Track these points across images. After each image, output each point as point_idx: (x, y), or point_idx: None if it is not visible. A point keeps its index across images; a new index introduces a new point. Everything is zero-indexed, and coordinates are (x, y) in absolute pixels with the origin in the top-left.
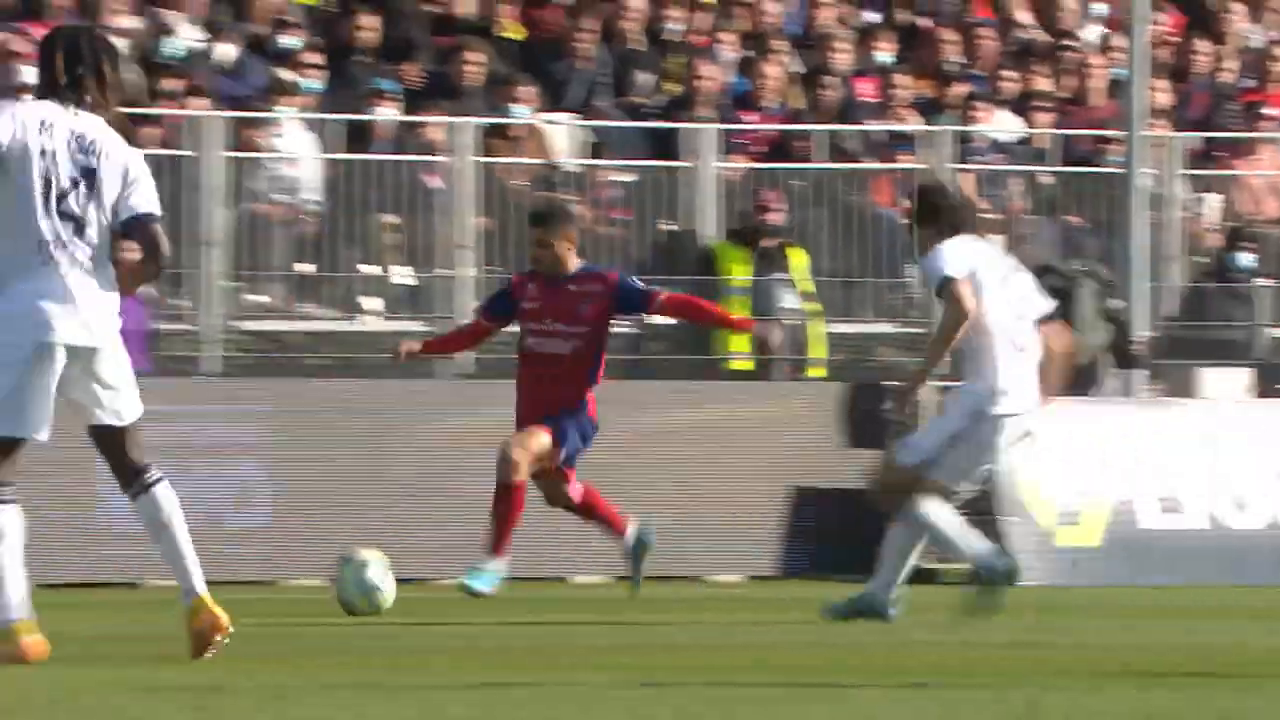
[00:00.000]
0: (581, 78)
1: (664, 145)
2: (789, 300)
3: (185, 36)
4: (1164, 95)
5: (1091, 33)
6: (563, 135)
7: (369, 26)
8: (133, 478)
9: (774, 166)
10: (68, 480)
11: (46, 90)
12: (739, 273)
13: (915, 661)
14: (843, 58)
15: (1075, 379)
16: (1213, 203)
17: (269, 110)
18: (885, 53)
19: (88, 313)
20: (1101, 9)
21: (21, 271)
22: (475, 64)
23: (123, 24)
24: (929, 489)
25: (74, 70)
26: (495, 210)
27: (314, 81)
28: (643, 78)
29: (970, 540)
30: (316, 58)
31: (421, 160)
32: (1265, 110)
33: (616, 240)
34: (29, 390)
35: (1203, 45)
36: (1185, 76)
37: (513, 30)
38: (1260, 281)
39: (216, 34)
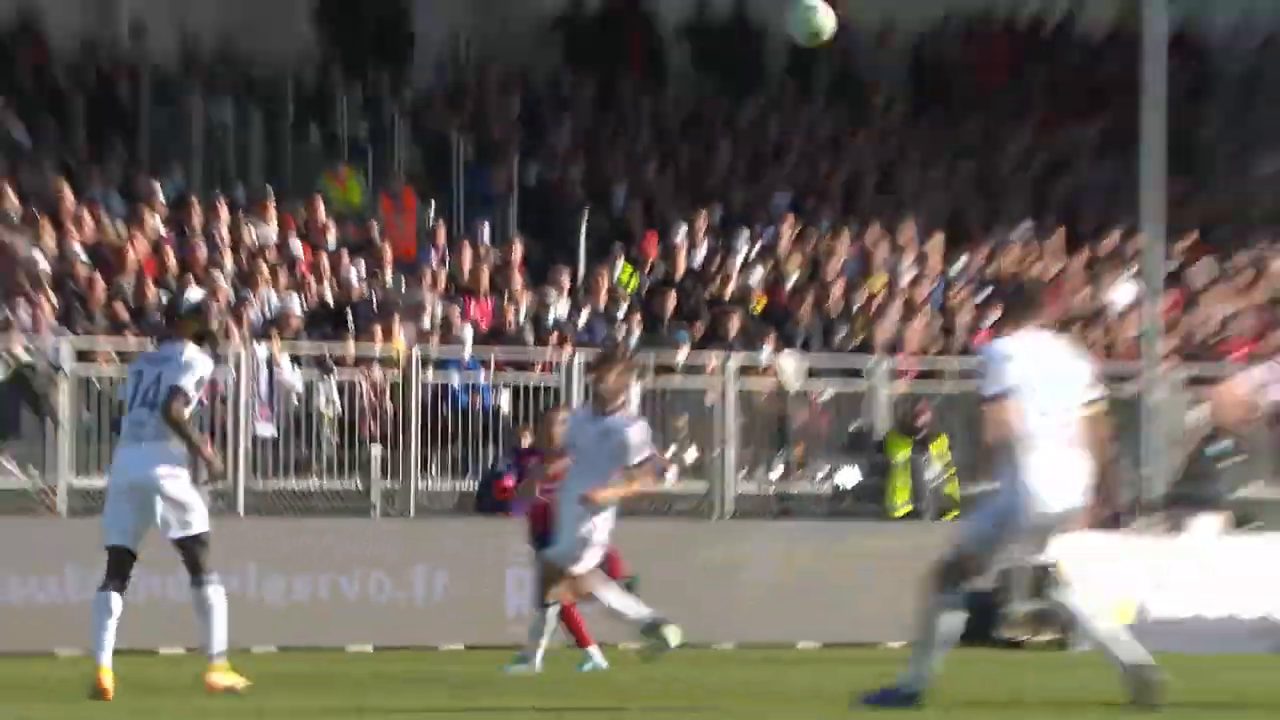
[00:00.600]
0: (802, 332)
1: (853, 372)
2: (934, 469)
3: (558, 307)
4: (1170, 340)
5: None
6: (790, 367)
7: (669, 300)
8: (194, 575)
9: (925, 387)
10: (480, 578)
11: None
12: (902, 452)
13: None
14: (965, 319)
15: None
16: (1202, 412)
17: None
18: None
19: (148, 463)
20: (1130, 286)
21: (126, 443)
22: (737, 323)
23: (524, 301)
24: (572, 581)
25: (170, 317)
26: (749, 413)
27: (634, 336)
28: (841, 330)
29: (638, 610)
30: (638, 319)
31: (698, 388)
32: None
33: (823, 432)
34: (118, 514)
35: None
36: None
37: (759, 304)
38: (1228, 461)
39: (581, 305)
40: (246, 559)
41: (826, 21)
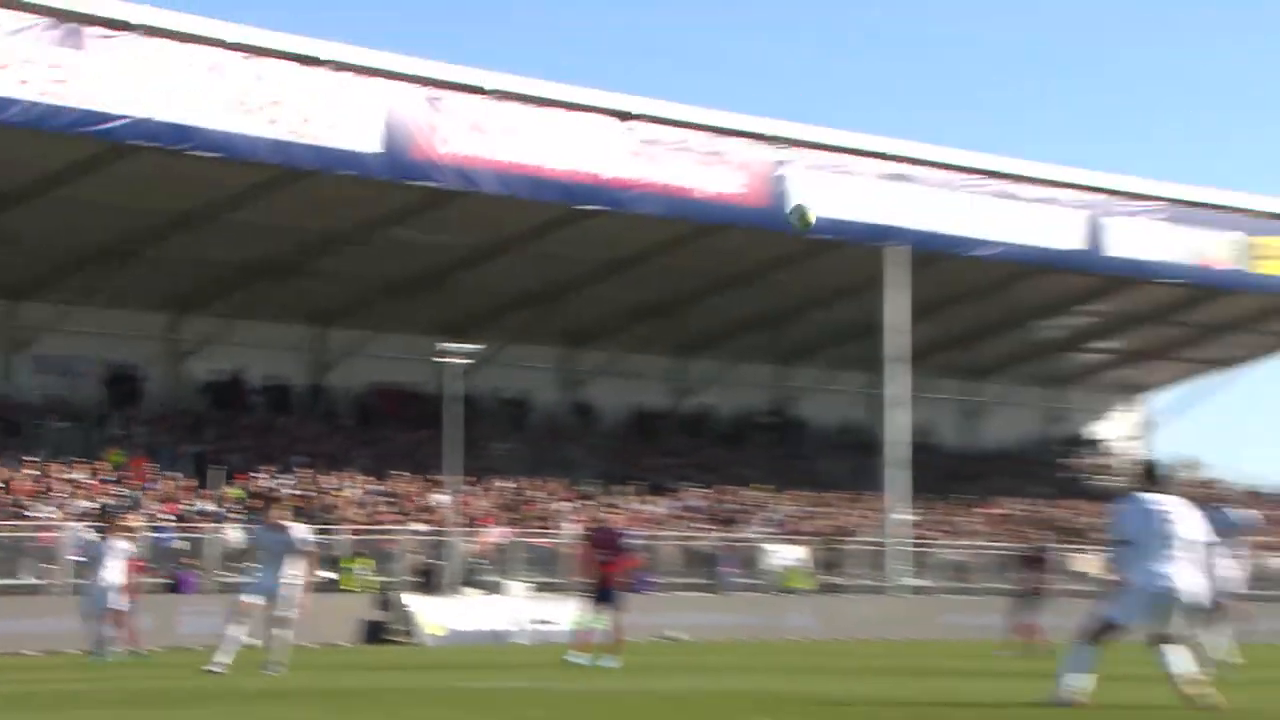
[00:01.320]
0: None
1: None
2: (366, 571)
3: (206, 505)
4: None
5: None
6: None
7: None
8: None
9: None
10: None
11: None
12: (353, 564)
13: None
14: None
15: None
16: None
17: None
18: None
19: None
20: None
21: None
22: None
23: (195, 504)
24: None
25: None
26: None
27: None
28: (323, 517)
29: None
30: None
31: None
32: None
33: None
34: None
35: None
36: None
37: (291, 504)
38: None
39: (219, 506)
40: None
41: (811, 216)
